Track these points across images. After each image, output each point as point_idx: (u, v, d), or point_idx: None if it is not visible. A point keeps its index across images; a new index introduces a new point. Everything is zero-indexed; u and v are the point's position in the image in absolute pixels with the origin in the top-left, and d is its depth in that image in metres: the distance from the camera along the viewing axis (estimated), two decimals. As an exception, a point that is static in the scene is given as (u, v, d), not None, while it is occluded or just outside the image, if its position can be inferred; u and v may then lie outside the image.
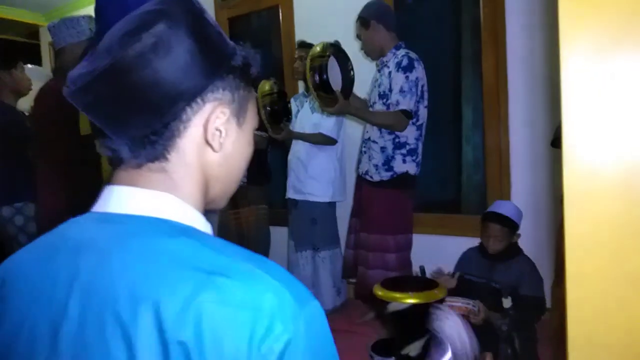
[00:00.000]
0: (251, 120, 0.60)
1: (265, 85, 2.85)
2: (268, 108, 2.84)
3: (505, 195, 2.81)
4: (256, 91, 2.61)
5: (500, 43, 2.76)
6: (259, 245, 3.25)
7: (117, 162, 0.53)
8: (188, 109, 0.52)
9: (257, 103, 2.90)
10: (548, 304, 2.25)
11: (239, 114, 0.58)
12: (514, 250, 2.35)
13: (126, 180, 0.53)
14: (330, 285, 2.93)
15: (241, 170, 0.61)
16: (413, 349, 1.89)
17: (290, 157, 3.07)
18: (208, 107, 0.54)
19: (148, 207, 0.51)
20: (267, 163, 3.32)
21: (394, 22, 2.57)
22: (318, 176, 2.91)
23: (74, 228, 0.53)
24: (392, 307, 1.85)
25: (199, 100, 0.53)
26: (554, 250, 2.57)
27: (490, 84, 2.84)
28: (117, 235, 0.49)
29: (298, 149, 3.00)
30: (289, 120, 2.98)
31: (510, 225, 2.31)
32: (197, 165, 0.55)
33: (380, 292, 1.90)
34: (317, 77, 2.37)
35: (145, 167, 0.52)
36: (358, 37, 2.68)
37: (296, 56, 3.06)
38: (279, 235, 3.48)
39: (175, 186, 0.53)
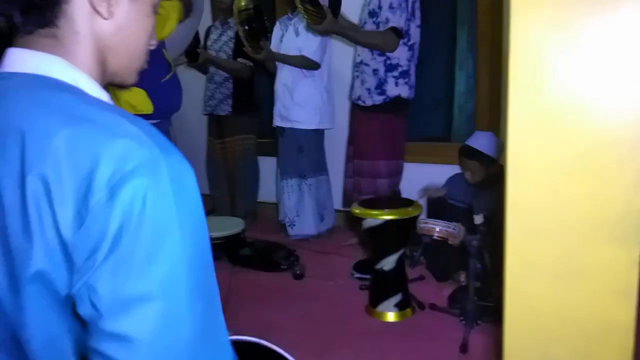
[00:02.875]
0: None
1: (241, 1, 2.74)
2: (246, 26, 2.75)
3: (495, 124, 2.77)
4: None
5: (498, -38, 2.64)
6: (246, 175, 3.25)
7: (13, 29, 0.56)
8: None
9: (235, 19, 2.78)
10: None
11: None
12: (498, 177, 2.35)
13: (21, 44, 0.56)
14: (314, 212, 2.94)
15: (142, 43, 0.62)
16: (387, 263, 1.96)
17: (276, 84, 2.99)
18: None
19: (35, 66, 0.54)
20: (253, 92, 3.24)
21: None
22: (304, 103, 2.85)
23: None
24: (367, 223, 1.89)
25: None
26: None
27: (484, 7, 2.73)
28: (4, 88, 0.53)
29: (284, 74, 2.91)
30: (268, 38, 2.88)
31: (484, 159, 2.30)
32: (88, 33, 0.56)
33: (357, 210, 1.94)
34: None
35: (37, 33, 0.55)
36: None
37: None
38: (268, 165, 3.51)
39: (66, 52, 0.56)
